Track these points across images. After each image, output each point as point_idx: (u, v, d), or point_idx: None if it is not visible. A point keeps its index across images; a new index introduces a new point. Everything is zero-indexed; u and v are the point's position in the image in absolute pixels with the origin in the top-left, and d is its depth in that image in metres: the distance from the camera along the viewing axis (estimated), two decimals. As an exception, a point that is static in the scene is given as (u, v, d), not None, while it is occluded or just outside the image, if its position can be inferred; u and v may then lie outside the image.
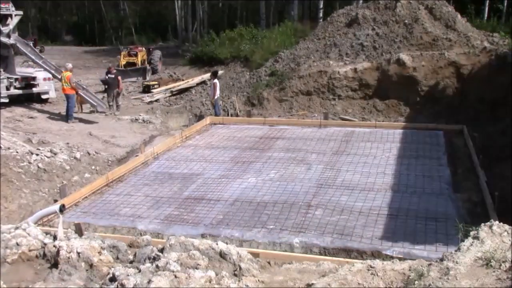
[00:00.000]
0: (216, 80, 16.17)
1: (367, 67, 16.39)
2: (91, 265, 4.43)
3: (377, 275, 3.77)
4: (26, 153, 10.43)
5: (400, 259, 4.64)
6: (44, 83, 17.12)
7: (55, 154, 10.94)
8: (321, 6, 26.98)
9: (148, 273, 4.03)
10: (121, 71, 23.77)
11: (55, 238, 5.39)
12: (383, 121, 14.79)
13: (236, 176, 10.11)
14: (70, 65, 15.89)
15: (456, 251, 3.82)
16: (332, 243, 7.09)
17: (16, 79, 16.33)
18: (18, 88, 16.49)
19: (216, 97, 15.95)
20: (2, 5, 15.81)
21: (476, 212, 8.14)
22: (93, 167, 11.28)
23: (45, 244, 4.79)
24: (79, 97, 15.92)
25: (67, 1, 51.24)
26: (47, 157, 10.63)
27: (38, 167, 10.17)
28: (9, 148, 10.42)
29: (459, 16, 18.37)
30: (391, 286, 3.67)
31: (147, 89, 20.86)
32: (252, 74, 19.14)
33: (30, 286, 4.16)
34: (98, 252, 4.59)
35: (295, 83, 16.86)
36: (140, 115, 16.38)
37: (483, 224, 4.08)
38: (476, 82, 15.09)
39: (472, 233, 4.00)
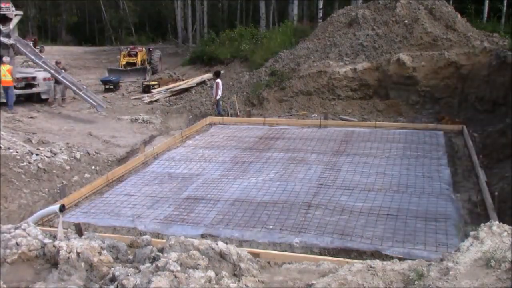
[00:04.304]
0: (218, 80, 16.18)
1: (367, 67, 16.40)
2: (91, 265, 4.42)
3: (377, 275, 3.77)
4: (26, 153, 10.43)
5: (400, 259, 4.63)
6: (44, 83, 17.13)
7: (55, 154, 10.94)
8: (321, 6, 26.98)
9: (148, 273, 4.02)
10: (121, 71, 23.83)
11: (55, 238, 5.39)
12: (383, 121, 14.79)
13: (236, 176, 10.11)
14: (8, 59, 15.84)
15: (456, 251, 3.82)
16: (332, 243, 7.09)
17: (16, 79, 16.33)
18: (18, 88, 16.49)
19: (218, 97, 15.98)
20: (2, 5, 15.82)
21: (476, 212, 8.15)
22: (93, 167, 11.28)
23: (45, 244, 4.78)
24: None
25: (67, 1, 51.22)
26: (47, 157, 10.63)
27: (38, 167, 10.17)
28: (9, 148, 10.42)
29: (459, 16, 18.38)
30: (391, 286, 3.67)
31: (147, 89, 20.86)
32: (252, 74, 19.14)
33: (30, 286, 4.16)
34: (98, 252, 4.59)
35: (295, 83, 16.86)
36: (140, 115, 16.39)
37: (483, 224, 4.08)
38: (476, 82, 15.10)
39: (472, 233, 4.00)
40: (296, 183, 9.59)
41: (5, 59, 15.73)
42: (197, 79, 21.57)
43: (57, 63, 17.65)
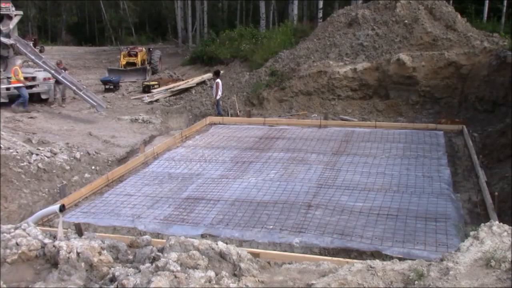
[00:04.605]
0: (218, 80, 16.17)
1: (367, 67, 16.39)
2: (91, 265, 4.42)
3: (377, 275, 3.77)
4: (26, 153, 10.43)
5: (400, 259, 4.63)
6: (44, 83, 17.13)
7: (55, 154, 10.94)
8: (321, 6, 26.98)
9: (148, 273, 4.02)
10: (121, 71, 23.83)
11: (55, 238, 5.39)
12: (383, 121, 14.79)
13: (236, 176, 10.11)
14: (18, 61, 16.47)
15: (456, 251, 3.82)
16: (332, 243, 7.09)
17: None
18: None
19: (218, 97, 15.97)
20: (2, 5, 15.82)
21: (476, 212, 8.15)
22: (93, 167, 11.28)
23: (45, 244, 4.78)
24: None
25: (67, 1, 51.24)
26: (47, 157, 10.63)
27: (38, 167, 10.17)
28: (9, 148, 10.41)
29: (459, 16, 18.38)
30: (391, 286, 3.67)
31: (147, 89, 20.86)
32: (252, 74, 19.14)
33: (30, 286, 4.16)
34: (98, 252, 4.58)
35: (295, 83, 16.86)
36: (140, 115, 16.38)
37: (483, 224, 4.08)
38: (476, 82, 15.10)
39: (472, 233, 4.00)
40: (296, 183, 9.59)
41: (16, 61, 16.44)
42: (197, 79, 21.58)
43: (58, 63, 17.67)
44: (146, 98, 19.47)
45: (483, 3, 25.01)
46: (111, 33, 44.93)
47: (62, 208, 7.32)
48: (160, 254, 4.59)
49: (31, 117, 15.12)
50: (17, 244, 4.66)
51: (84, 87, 17.06)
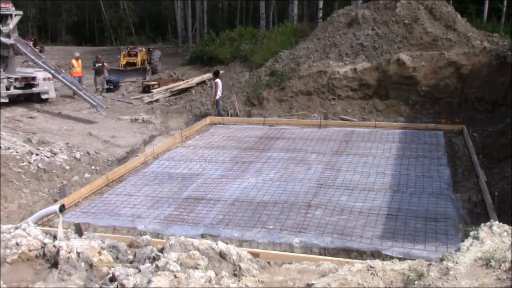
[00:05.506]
0: (218, 80, 16.16)
1: (367, 67, 16.40)
2: (91, 265, 4.43)
3: (377, 275, 3.77)
4: (26, 153, 10.43)
5: (400, 259, 4.64)
6: (44, 83, 17.12)
7: (55, 154, 10.94)
8: (321, 6, 26.98)
9: (148, 273, 4.02)
10: (121, 71, 23.84)
11: (55, 238, 5.40)
12: (383, 121, 14.79)
13: (236, 176, 10.10)
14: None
15: (456, 251, 3.83)
16: (332, 243, 7.08)
17: (16, 79, 16.33)
18: (18, 88, 16.49)
19: (217, 97, 15.96)
20: (2, 5, 15.81)
21: (476, 212, 8.15)
22: (93, 167, 11.28)
23: (45, 244, 4.78)
24: None
25: (67, 1, 51.24)
26: (47, 157, 10.63)
27: (38, 167, 10.17)
28: (9, 148, 10.42)
29: (459, 16, 18.37)
30: (391, 286, 3.67)
31: (147, 89, 20.86)
32: (252, 74, 19.14)
33: (30, 286, 4.16)
34: (98, 252, 4.59)
35: (295, 83, 16.86)
36: (140, 115, 16.38)
37: (483, 224, 4.08)
38: (476, 82, 15.11)
39: (472, 233, 4.00)
40: (296, 183, 9.58)
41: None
42: (197, 79, 21.57)
43: (98, 57, 20.54)
44: (146, 98, 19.48)
45: (483, 3, 25.01)
46: (111, 33, 44.92)
47: (62, 208, 7.33)
48: (160, 254, 4.59)
49: (31, 117, 15.13)
50: (17, 244, 4.66)
51: (84, 87, 17.06)
